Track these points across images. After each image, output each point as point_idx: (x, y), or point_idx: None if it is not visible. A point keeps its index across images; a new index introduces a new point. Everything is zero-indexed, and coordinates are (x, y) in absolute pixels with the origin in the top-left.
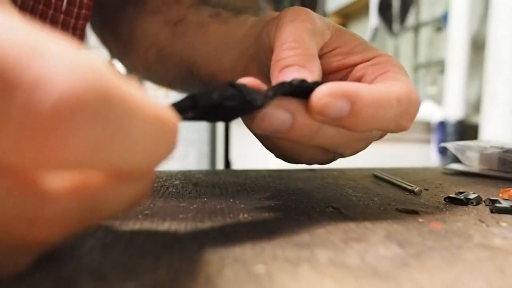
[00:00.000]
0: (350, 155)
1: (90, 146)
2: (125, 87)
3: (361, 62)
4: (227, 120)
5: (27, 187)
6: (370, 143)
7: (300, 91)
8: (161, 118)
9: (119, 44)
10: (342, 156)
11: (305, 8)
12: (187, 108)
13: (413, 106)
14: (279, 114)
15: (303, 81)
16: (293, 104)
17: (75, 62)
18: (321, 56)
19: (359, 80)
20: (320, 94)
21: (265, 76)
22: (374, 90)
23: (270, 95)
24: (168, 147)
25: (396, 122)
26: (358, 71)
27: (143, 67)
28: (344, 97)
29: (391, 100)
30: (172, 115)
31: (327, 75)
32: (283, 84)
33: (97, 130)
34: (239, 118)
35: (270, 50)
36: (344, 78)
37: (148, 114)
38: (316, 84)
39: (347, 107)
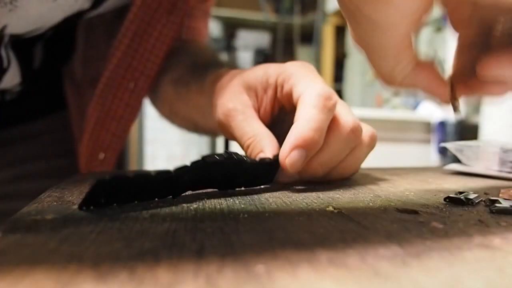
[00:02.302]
0: None
1: None
2: None
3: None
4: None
5: None
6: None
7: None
8: None
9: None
10: None
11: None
12: (200, 165)
13: (327, 98)
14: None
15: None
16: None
17: None
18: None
19: (289, 95)
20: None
21: None
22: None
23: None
24: None
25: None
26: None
27: (165, 117)
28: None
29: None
30: None
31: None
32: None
33: None
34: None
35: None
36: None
37: None
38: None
39: (304, 153)
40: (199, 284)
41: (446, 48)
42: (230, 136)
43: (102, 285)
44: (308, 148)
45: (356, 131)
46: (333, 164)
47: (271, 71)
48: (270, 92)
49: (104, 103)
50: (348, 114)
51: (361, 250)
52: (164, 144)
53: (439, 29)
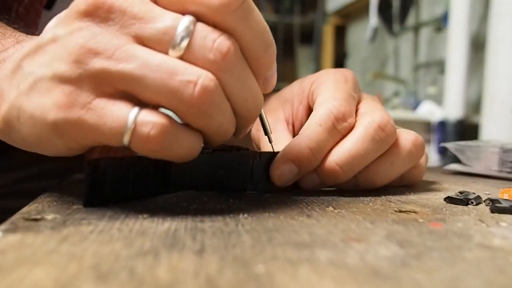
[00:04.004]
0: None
1: None
2: None
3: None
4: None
5: None
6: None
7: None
8: None
9: None
10: None
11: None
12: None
13: (339, 119)
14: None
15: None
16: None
17: None
18: None
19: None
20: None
21: None
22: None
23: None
24: None
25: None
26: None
27: None
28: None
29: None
30: None
31: None
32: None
33: None
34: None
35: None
36: None
37: None
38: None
39: (295, 169)
40: (199, 284)
41: (446, 48)
42: (259, 149)
43: (102, 285)
44: (300, 165)
45: (384, 128)
46: (357, 166)
47: (307, 81)
48: (304, 102)
49: None
50: (375, 110)
51: (361, 250)
52: None
53: (439, 29)
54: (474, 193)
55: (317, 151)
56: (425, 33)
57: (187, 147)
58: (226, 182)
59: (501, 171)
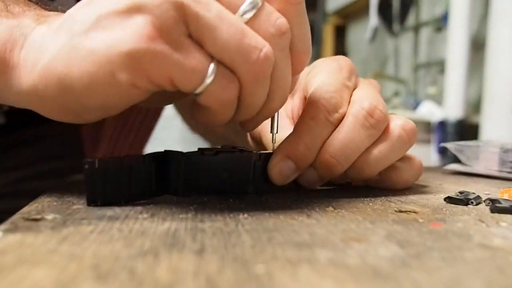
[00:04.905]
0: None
1: None
2: None
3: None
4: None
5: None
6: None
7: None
8: None
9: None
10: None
11: None
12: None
13: (330, 111)
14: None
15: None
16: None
17: None
18: None
19: None
20: (271, 166)
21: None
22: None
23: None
24: None
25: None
26: None
27: (199, 134)
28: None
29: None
30: None
31: None
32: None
33: None
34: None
35: None
36: None
37: None
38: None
39: (292, 165)
40: (199, 284)
41: (446, 48)
42: (259, 146)
43: (102, 285)
44: (297, 160)
45: (372, 114)
46: (352, 155)
47: (302, 73)
48: (301, 94)
49: (120, 115)
50: (366, 96)
51: (361, 250)
52: (164, 144)
53: (439, 29)
54: (474, 193)
55: (312, 145)
56: (425, 33)
57: (232, 112)
58: (229, 184)
59: (501, 171)
